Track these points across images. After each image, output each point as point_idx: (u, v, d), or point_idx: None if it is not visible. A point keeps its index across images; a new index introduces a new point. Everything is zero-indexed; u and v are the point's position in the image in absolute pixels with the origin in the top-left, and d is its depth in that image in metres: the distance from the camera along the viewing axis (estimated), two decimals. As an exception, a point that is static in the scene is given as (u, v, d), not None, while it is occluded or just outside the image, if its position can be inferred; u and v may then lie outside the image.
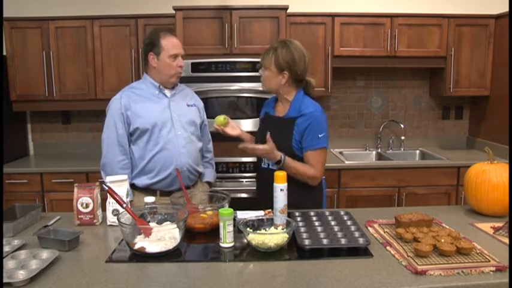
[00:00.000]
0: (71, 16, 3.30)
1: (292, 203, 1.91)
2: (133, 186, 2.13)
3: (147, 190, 2.11)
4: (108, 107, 2.13)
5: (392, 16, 3.34)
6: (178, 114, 2.13)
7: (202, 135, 2.32)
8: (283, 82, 1.97)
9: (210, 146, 2.43)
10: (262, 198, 1.98)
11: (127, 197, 1.77)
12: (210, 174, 2.37)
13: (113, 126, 2.08)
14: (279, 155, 1.90)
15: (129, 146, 2.12)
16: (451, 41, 3.39)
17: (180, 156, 2.09)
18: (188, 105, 2.21)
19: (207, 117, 2.39)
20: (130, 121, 2.07)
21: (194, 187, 2.22)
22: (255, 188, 3.08)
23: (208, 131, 2.41)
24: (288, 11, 3.15)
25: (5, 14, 3.17)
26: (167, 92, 2.16)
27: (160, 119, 2.08)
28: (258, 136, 2.10)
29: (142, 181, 2.11)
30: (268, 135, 1.92)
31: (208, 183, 2.35)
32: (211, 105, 3.10)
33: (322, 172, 1.98)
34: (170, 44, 2.07)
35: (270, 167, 1.98)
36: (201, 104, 2.33)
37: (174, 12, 3.08)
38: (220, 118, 2.07)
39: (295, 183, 1.90)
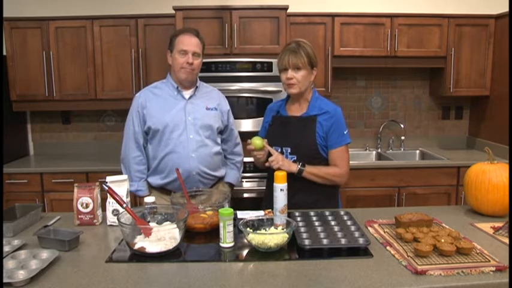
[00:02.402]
0: (71, 16, 3.30)
1: (308, 204, 1.90)
2: (149, 184, 2.18)
3: (162, 189, 2.15)
4: (131, 103, 2.18)
5: (392, 16, 3.34)
6: (193, 117, 2.10)
7: (228, 139, 2.29)
8: (312, 79, 1.97)
9: (238, 149, 2.35)
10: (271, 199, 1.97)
11: (127, 197, 1.77)
12: (233, 176, 2.31)
13: (131, 123, 2.14)
14: (295, 166, 1.89)
15: (146, 144, 2.15)
16: (451, 41, 3.39)
17: (189, 160, 2.08)
18: (208, 109, 2.16)
19: None
20: (145, 119, 2.10)
21: (213, 187, 2.20)
22: (255, 187, 3.10)
23: (236, 134, 2.34)
24: (288, 11, 3.14)
25: (5, 14, 3.18)
26: (186, 94, 2.14)
27: (172, 120, 2.07)
28: (274, 137, 2.01)
29: (155, 180, 2.15)
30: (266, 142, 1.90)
31: (230, 184, 2.31)
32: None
33: (348, 169, 1.96)
34: (182, 40, 2.07)
35: None
36: (225, 107, 2.26)
37: (174, 12, 3.08)
38: (258, 142, 1.87)
39: (311, 184, 1.91)
